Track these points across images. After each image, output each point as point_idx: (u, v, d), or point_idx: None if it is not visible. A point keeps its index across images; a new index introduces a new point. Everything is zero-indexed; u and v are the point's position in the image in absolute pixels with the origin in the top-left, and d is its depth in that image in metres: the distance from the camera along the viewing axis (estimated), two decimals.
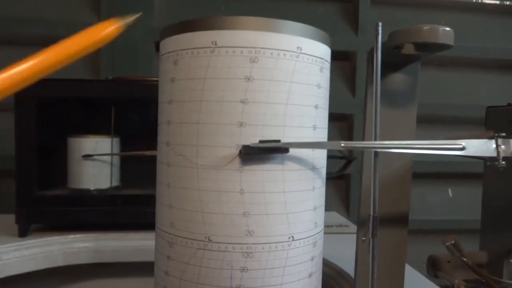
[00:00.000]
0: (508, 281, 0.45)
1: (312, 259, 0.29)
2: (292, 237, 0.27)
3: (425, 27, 0.31)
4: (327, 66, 0.30)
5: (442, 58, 1.05)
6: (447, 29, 0.31)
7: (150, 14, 0.97)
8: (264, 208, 0.26)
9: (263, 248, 0.26)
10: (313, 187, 0.29)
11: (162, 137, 0.29)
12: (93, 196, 0.71)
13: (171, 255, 0.27)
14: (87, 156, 0.71)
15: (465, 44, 1.09)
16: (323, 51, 0.29)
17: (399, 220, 0.39)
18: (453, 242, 0.43)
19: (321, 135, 0.30)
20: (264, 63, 0.26)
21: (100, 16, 0.96)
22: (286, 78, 0.26)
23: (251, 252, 0.26)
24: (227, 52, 0.25)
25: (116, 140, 0.74)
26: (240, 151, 0.26)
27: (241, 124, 0.26)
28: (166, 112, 0.29)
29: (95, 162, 0.72)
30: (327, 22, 1.05)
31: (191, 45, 0.26)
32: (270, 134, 0.26)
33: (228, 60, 0.25)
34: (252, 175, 0.26)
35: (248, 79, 0.26)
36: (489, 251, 0.47)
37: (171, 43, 0.28)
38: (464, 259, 0.43)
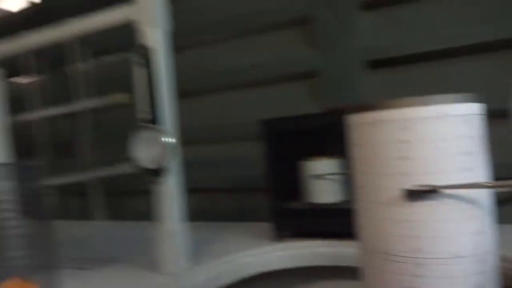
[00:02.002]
0: None
1: (479, 273, 0.37)
2: (456, 254, 0.36)
3: None
4: (476, 118, 0.37)
5: None
6: None
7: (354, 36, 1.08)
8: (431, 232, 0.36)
9: None
10: (472, 215, 0.37)
11: (356, 182, 0.43)
12: (328, 209, 0.87)
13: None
14: (319, 176, 0.89)
15: None
16: (469, 108, 0.36)
17: None
18: None
19: (475, 174, 0.37)
20: (417, 128, 0.36)
21: (317, 49, 1.14)
22: (438, 137, 0.36)
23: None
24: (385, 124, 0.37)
25: (341, 161, 0.90)
26: (408, 192, 0.36)
27: (404, 173, 0.37)
28: (358, 166, 0.42)
29: (325, 181, 0.89)
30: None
31: (365, 119, 0.39)
32: (430, 179, 0.36)
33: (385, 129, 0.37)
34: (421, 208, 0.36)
35: (405, 141, 0.36)
36: None
37: (360, 117, 0.41)
38: None
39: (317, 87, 1.13)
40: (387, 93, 1.03)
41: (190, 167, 0.82)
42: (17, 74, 1.04)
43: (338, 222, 0.84)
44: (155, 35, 0.71)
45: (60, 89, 0.92)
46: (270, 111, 1.14)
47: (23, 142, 0.96)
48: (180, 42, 0.83)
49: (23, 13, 1.78)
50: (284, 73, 1.17)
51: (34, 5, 1.74)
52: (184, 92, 0.87)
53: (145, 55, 0.70)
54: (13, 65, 0.94)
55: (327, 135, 0.93)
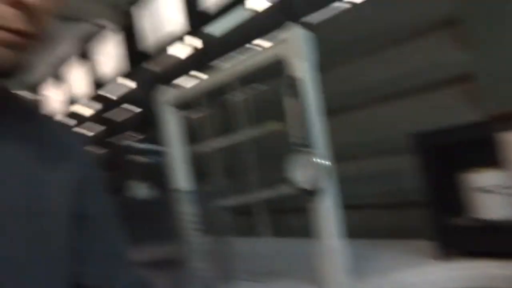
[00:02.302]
0: None
1: None
2: None
3: None
4: None
5: None
6: None
7: None
8: None
9: None
10: None
11: None
12: (500, 226, 0.79)
13: None
14: (486, 189, 0.82)
15: None
16: None
17: None
18: None
19: None
20: None
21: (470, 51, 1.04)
22: None
23: None
24: None
25: (508, 173, 0.82)
26: None
27: None
28: None
29: (493, 194, 0.82)
30: None
31: None
32: None
33: None
34: None
35: None
36: None
37: None
38: None
39: (473, 92, 1.04)
40: None
41: (344, 183, 0.85)
42: (188, 109, 1.23)
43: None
44: (303, 67, 0.77)
45: (223, 120, 1.05)
46: (422, 121, 1.11)
47: (198, 170, 1.12)
48: (326, 61, 0.87)
49: (189, 58, 2.08)
50: (434, 80, 1.12)
51: (196, 49, 2.02)
52: (334, 109, 0.91)
53: (294, 85, 0.76)
54: (186, 103, 1.12)
55: (487, 145, 0.86)
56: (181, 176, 1.08)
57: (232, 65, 0.91)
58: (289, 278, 0.89)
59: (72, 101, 3.30)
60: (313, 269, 0.82)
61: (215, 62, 1.85)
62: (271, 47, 0.83)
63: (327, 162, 0.76)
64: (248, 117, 0.96)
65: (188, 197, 0.97)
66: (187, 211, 0.96)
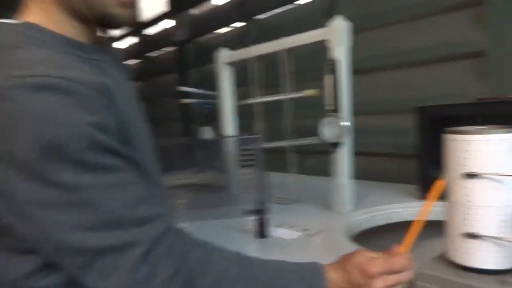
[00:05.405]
0: None
1: None
2: None
3: None
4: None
5: None
6: None
7: None
8: None
9: None
10: None
11: None
12: None
13: None
14: None
15: None
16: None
17: None
18: None
19: None
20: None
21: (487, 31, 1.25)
22: None
23: None
24: None
25: None
26: None
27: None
28: None
29: None
30: None
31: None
32: None
33: None
34: None
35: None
36: None
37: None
38: None
39: (484, 68, 1.26)
40: None
41: (357, 134, 1.12)
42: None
43: None
44: (341, 51, 1.04)
45: (272, 80, 1.32)
46: (435, 88, 1.36)
47: (245, 121, 1.41)
48: (361, 24, 1.08)
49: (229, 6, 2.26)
50: (449, 54, 1.35)
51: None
52: (360, 69, 1.13)
53: (333, 65, 1.03)
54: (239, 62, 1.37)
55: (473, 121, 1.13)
56: (229, 122, 1.39)
57: (283, 40, 1.17)
58: (310, 204, 1.22)
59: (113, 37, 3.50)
60: (327, 199, 1.14)
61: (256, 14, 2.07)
62: (317, 32, 1.08)
63: (348, 123, 1.05)
64: (290, 80, 1.24)
65: (234, 140, 1.28)
66: (233, 150, 1.28)
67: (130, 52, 3.26)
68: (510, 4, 1.19)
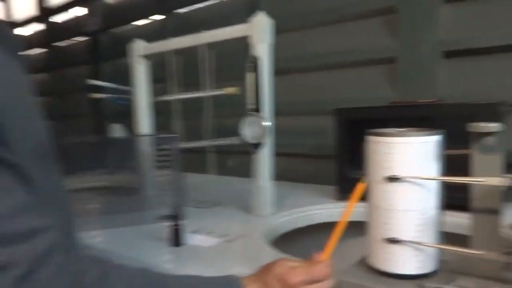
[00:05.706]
0: None
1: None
2: None
3: None
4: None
5: None
6: None
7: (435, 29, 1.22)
8: None
9: None
10: None
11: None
12: None
13: None
14: None
15: None
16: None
17: None
18: None
19: None
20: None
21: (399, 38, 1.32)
22: None
23: None
24: None
25: None
26: None
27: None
28: None
29: None
30: None
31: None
32: None
33: None
34: None
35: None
36: None
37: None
38: None
39: (395, 73, 1.33)
40: (460, 82, 1.20)
41: (278, 135, 1.10)
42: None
43: None
44: (262, 48, 1.00)
45: (187, 76, 1.25)
46: (351, 91, 1.39)
47: (161, 118, 1.32)
48: (282, 26, 1.06)
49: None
50: (366, 58, 1.40)
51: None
52: (281, 70, 1.11)
53: (255, 62, 0.99)
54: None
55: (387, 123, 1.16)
56: (144, 120, 1.29)
57: (203, 34, 1.11)
58: (229, 207, 1.17)
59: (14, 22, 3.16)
60: (247, 201, 1.10)
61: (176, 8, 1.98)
62: (239, 27, 1.03)
63: (269, 124, 1.02)
64: (210, 77, 1.17)
65: (150, 139, 1.19)
66: (148, 150, 1.18)
67: (34, 40, 2.96)
68: (420, 14, 1.25)
